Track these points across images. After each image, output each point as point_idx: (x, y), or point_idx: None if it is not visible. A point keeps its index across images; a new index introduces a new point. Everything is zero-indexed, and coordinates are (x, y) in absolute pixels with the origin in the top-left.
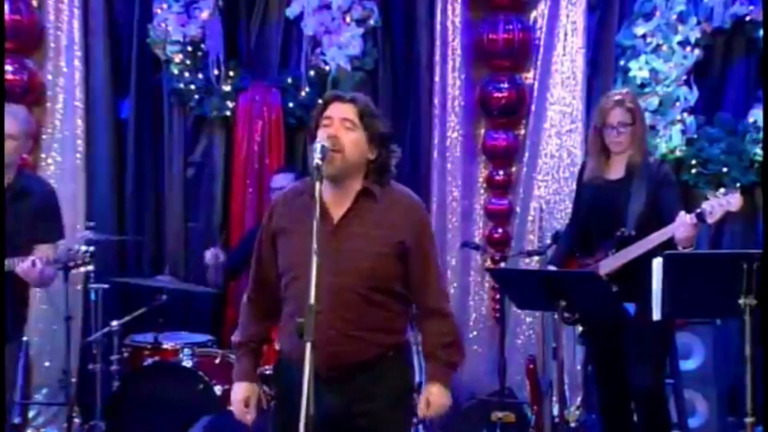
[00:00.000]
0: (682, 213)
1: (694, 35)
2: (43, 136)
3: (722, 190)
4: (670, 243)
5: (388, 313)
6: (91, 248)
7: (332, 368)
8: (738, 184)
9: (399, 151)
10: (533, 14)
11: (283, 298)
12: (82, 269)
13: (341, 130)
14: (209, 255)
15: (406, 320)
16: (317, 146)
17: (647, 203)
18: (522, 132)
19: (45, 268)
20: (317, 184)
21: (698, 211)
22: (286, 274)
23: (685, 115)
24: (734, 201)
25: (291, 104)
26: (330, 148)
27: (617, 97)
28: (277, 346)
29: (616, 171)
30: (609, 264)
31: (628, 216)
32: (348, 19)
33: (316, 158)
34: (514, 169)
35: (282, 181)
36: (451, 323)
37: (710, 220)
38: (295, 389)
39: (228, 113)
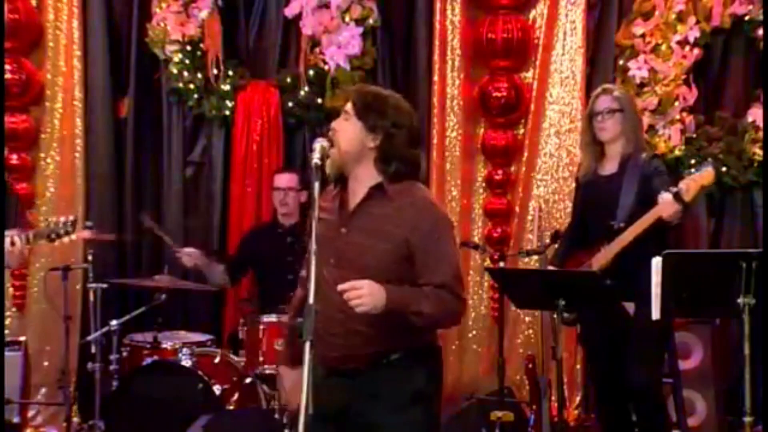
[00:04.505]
0: (663, 193)
1: (693, 34)
2: (42, 136)
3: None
4: (657, 226)
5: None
6: (71, 217)
7: (331, 362)
8: (710, 167)
9: (418, 151)
10: (532, 14)
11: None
12: (66, 239)
13: (339, 122)
14: (186, 259)
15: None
16: (316, 146)
17: (638, 196)
18: (521, 131)
19: (24, 248)
20: (316, 184)
21: (674, 190)
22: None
23: (684, 114)
24: (706, 175)
25: (290, 104)
26: (328, 146)
27: (606, 86)
28: (277, 347)
29: (610, 167)
30: (601, 257)
31: (618, 210)
32: (347, 18)
33: (315, 158)
34: (513, 168)
35: (289, 181)
36: (449, 304)
37: (687, 197)
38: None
39: (227, 112)
